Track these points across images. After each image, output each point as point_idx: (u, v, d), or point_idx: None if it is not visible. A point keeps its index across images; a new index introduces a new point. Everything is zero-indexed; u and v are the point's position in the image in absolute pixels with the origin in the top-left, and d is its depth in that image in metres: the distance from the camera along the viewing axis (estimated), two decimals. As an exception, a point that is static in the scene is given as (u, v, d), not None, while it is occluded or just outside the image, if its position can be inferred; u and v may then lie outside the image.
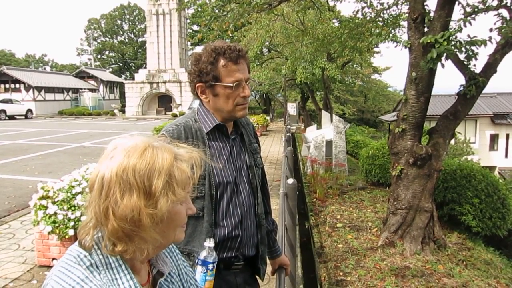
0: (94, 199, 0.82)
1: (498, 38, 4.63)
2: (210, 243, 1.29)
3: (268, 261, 1.88)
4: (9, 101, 30.62)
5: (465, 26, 4.46)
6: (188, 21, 40.16)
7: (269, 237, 1.83)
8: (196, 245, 1.50)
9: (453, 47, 4.32)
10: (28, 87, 35.88)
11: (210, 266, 1.29)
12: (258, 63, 18.76)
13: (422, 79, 4.70)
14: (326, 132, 10.22)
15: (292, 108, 26.20)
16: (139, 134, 0.92)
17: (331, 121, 10.56)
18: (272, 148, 14.33)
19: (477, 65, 4.79)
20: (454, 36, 4.36)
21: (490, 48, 4.78)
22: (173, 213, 0.86)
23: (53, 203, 3.77)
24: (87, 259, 0.82)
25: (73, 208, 3.74)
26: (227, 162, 1.58)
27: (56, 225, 3.72)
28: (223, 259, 1.54)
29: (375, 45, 12.48)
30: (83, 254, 0.82)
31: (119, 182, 0.79)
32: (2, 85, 36.64)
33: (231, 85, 1.50)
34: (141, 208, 0.79)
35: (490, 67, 4.84)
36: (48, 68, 53.73)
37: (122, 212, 0.79)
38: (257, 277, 1.78)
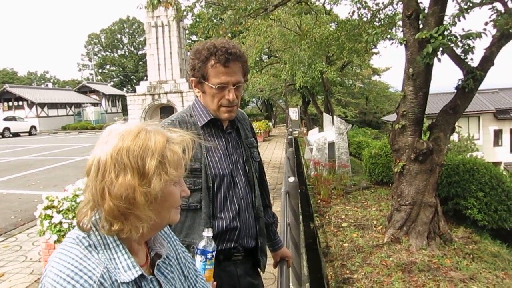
0: (90, 181, 0.85)
1: (494, 31, 4.66)
2: (208, 232, 1.32)
3: (270, 254, 1.90)
4: (13, 118, 30.86)
5: (459, 20, 4.48)
6: (187, 31, 40.45)
7: (270, 230, 1.85)
8: (195, 237, 1.52)
9: (448, 42, 4.35)
10: (31, 104, 36.16)
11: (209, 255, 1.31)
12: (257, 70, 18.84)
13: (419, 75, 4.72)
14: (328, 134, 10.25)
15: (294, 113, 26.28)
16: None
17: (333, 123, 10.58)
18: (275, 153, 14.34)
19: (474, 59, 4.83)
20: (449, 31, 4.39)
21: (487, 42, 4.80)
22: (167, 193, 0.89)
23: (58, 212, 3.80)
24: (86, 240, 0.85)
25: (78, 216, 3.77)
26: (223, 155, 1.61)
27: (62, 233, 3.74)
28: (223, 250, 1.56)
29: (373, 45, 12.51)
30: (82, 235, 0.86)
31: (114, 164, 0.83)
32: (6, 103, 36.96)
33: (213, 86, 1.52)
34: (135, 186, 0.83)
35: (487, 60, 4.86)
36: (50, 85, 54.22)
37: (117, 191, 0.82)
38: (258, 269, 1.80)
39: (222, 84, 1.52)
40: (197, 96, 1.65)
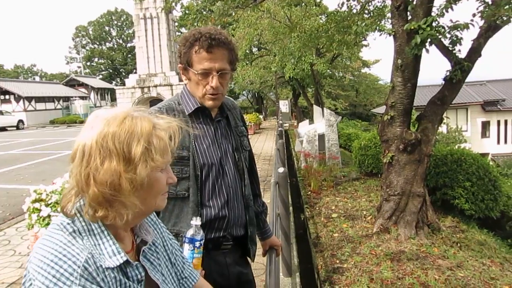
0: (75, 167, 0.84)
1: (481, 22, 4.69)
2: (196, 221, 1.31)
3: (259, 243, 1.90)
4: (0, 112, 30.41)
5: (447, 11, 4.51)
6: (176, 24, 40.07)
7: (259, 219, 1.85)
8: (183, 225, 1.52)
9: (436, 33, 4.37)
10: (18, 98, 35.60)
11: (197, 244, 1.31)
12: (247, 62, 18.77)
13: (408, 66, 4.75)
14: (318, 126, 10.27)
15: (284, 106, 26.30)
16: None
17: (323, 115, 10.61)
18: (265, 145, 14.36)
19: (462, 50, 4.87)
20: (437, 22, 4.41)
21: (474, 33, 4.84)
22: (153, 179, 0.88)
23: (47, 205, 3.77)
24: (70, 226, 0.84)
25: (66, 209, 3.74)
26: (211, 144, 1.59)
27: (51, 227, 3.72)
28: (211, 239, 1.55)
29: (362, 37, 12.54)
30: (66, 221, 0.85)
31: (99, 149, 0.82)
32: (-8, 97, 36.37)
33: (196, 72, 1.51)
34: (120, 173, 0.82)
35: (475, 52, 4.90)
36: (37, 78, 53.42)
37: (102, 177, 0.81)
38: (248, 258, 1.80)
39: (205, 70, 1.50)
40: (185, 84, 1.64)
